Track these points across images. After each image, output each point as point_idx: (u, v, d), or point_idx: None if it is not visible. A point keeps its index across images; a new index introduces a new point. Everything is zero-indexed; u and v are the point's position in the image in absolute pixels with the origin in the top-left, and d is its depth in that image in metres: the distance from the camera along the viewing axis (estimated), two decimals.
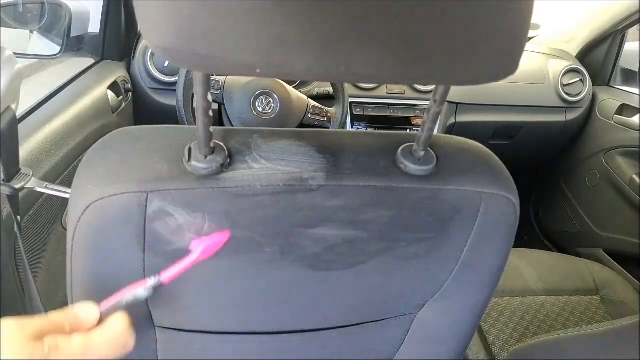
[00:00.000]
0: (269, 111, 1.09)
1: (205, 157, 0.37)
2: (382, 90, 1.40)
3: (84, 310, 0.34)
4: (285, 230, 0.41)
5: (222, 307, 0.46)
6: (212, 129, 0.37)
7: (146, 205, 0.36)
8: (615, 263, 1.42)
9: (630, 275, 1.33)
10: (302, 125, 1.14)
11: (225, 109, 1.10)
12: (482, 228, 0.44)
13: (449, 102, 1.44)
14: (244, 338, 0.50)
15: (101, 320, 0.34)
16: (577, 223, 1.63)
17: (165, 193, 0.36)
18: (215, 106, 1.12)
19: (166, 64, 1.28)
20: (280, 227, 0.40)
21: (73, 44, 1.15)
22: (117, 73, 1.22)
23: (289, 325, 0.50)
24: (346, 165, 0.41)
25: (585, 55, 1.59)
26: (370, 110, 1.37)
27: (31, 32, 1.04)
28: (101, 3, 1.18)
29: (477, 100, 1.45)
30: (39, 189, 0.64)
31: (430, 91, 1.40)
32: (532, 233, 1.88)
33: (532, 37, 1.82)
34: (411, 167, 0.41)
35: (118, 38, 1.25)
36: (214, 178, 0.37)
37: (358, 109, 1.37)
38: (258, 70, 0.27)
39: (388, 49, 0.27)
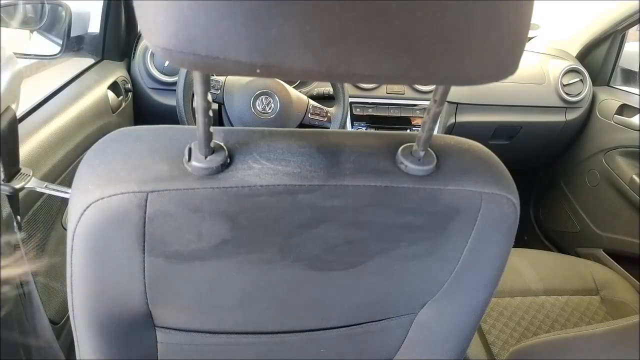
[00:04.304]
0: (269, 111, 1.09)
1: (205, 157, 0.37)
2: (382, 90, 1.40)
3: None
4: (285, 231, 0.41)
5: (222, 307, 0.46)
6: (212, 129, 0.37)
7: (146, 206, 0.36)
8: (615, 263, 1.42)
9: (630, 275, 1.33)
10: (302, 125, 1.14)
11: (225, 109, 1.10)
12: (482, 228, 0.44)
13: (449, 102, 1.44)
14: (244, 338, 0.50)
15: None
16: (577, 223, 1.63)
17: (165, 193, 0.36)
18: (215, 106, 1.12)
19: (166, 64, 1.28)
20: (280, 227, 0.40)
21: (73, 44, 1.15)
22: (117, 73, 1.22)
23: (289, 325, 0.50)
24: (346, 165, 0.40)
25: (585, 55, 1.59)
26: (370, 110, 1.37)
27: (31, 32, 1.04)
28: (101, 3, 1.18)
29: (477, 100, 1.45)
30: (39, 189, 0.64)
31: (430, 91, 1.40)
32: (532, 233, 1.88)
33: (532, 37, 1.82)
34: (411, 167, 0.41)
35: (118, 38, 1.25)
36: (214, 178, 0.37)
37: (358, 109, 1.37)
38: (258, 70, 0.27)
39: (388, 49, 0.27)
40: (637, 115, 1.41)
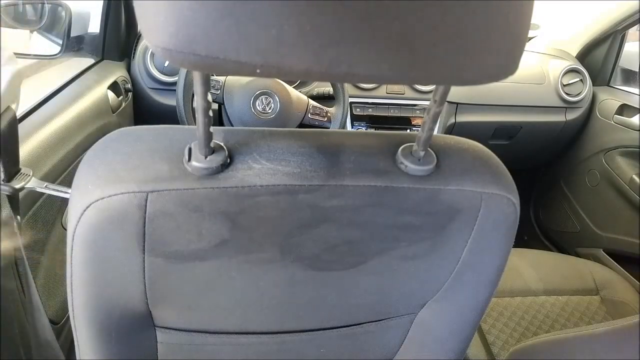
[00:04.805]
0: (269, 111, 1.09)
1: (205, 157, 0.37)
2: (382, 90, 1.40)
3: None
4: (285, 231, 0.41)
5: (222, 307, 0.46)
6: (212, 129, 0.37)
7: (146, 205, 0.36)
8: (615, 263, 1.42)
9: (630, 275, 1.33)
10: (302, 125, 1.14)
11: (225, 109, 1.10)
12: (482, 228, 0.44)
13: (449, 102, 1.44)
14: (244, 338, 0.50)
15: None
16: (577, 223, 1.63)
17: (165, 193, 0.36)
18: (215, 106, 1.12)
19: (166, 64, 1.28)
20: (280, 227, 0.40)
21: (73, 44, 1.15)
22: (117, 73, 1.22)
23: (289, 325, 0.50)
24: (346, 165, 0.40)
25: (585, 55, 1.59)
26: (370, 110, 1.37)
27: (31, 32, 1.04)
28: (101, 3, 1.18)
29: (477, 100, 1.45)
30: (39, 189, 0.64)
31: (430, 91, 1.40)
32: (532, 233, 1.88)
33: (532, 37, 1.82)
34: (411, 167, 0.41)
35: (118, 38, 1.25)
36: (214, 178, 0.37)
37: (358, 109, 1.37)
38: (258, 71, 0.27)
39: (388, 49, 0.27)
40: (637, 115, 1.41)
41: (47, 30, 1.02)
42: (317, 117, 1.15)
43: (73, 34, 1.04)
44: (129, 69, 1.30)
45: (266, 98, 1.08)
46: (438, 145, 0.45)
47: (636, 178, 1.37)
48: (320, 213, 0.40)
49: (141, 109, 1.32)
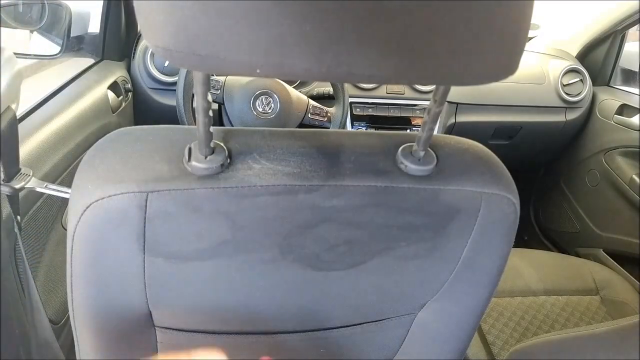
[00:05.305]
0: (269, 111, 1.09)
1: (205, 157, 0.37)
2: (382, 90, 1.40)
3: None
4: (285, 230, 0.41)
5: (222, 307, 0.46)
6: (212, 129, 0.37)
7: (146, 205, 0.36)
8: (615, 263, 1.42)
9: (630, 275, 1.33)
10: (302, 125, 1.14)
11: (225, 109, 1.10)
12: (482, 228, 0.44)
13: (449, 102, 1.44)
14: (244, 338, 0.50)
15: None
16: (577, 223, 1.63)
17: (165, 193, 0.36)
18: (215, 106, 1.12)
19: (166, 64, 1.28)
20: (280, 227, 0.40)
21: (73, 44, 1.15)
22: (117, 73, 1.22)
23: (289, 325, 0.50)
24: (346, 165, 0.40)
25: (585, 55, 1.59)
26: (370, 110, 1.37)
27: (31, 32, 1.04)
28: (101, 3, 1.18)
29: (477, 100, 1.45)
30: (39, 189, 0.64)
31: (430, 91, 1.40)
32: (532, 233, 1.88)
33: (532, 37, 1.82)
34: (411, 167, 0.41)
35: (118, 38, 1.25)
36: (214, 178, 0.37)
37: (358, 109, 1.37)
38: (258, 71, 0.27)
39: (388, 49, 0.27)
40: (637, 115, 1.41)
41: (47, 30, 1.02)
42: (317, 117, 1.15)
43: (73, 34, 1.04)
44: (129, 69, 1.30)
45: (266, 98, 1.08)
46: (438, 145, 0.45)
47: (636, 178, 1.37)
48: (320, 213, 0.40)
49: (141, 109, 1.32)
